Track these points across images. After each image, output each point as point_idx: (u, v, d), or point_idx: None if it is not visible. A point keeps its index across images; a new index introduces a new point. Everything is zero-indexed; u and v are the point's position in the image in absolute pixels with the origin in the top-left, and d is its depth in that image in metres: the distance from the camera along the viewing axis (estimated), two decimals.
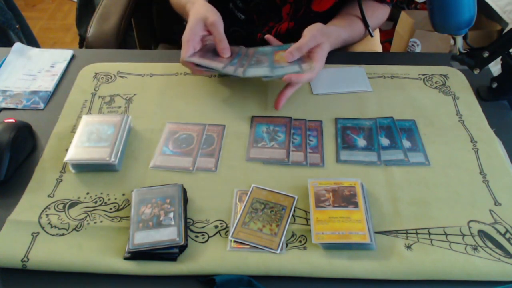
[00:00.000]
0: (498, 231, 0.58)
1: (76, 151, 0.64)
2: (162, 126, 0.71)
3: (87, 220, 0.59)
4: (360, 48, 1.05)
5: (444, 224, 0.59)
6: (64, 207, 0.61)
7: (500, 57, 0.73)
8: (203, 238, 0.57)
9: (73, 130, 0.70)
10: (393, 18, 1.83)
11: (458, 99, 0.77)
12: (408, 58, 0.89)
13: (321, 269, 0.54)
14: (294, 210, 0.60)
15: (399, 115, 0.73)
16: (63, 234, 0.57)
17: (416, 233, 0.58)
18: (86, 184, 0.63)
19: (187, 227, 0.58)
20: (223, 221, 0.59)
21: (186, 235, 0.56)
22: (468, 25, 0.68)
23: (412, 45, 1.67)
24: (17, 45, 0.87)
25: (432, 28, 0.69)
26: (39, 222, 0.59)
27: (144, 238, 0.55)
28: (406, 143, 0.69)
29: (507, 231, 0.58)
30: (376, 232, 0.58)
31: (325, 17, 0.85)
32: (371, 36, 0.88)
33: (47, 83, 0.80)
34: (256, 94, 0.77)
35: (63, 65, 0.83)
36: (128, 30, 1.06)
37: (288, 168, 0.66)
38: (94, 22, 0.99)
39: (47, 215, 0.59)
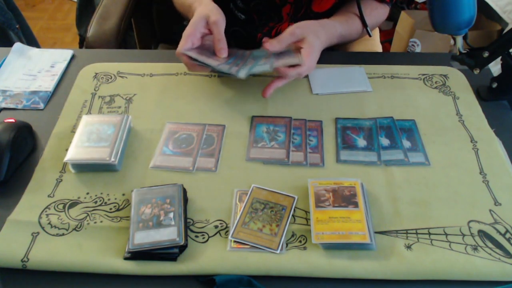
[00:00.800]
0: (498, 231, 0.58)
1: (76, 151, 0.64)
2: (162, 126, 0.71)
3: (87, 220, 0.59)
4: (360, 48, 1.05)
5: (444, 224, 0.59)
6: (64, 207, 0.61)
7: (500, 57, 0.73)
8: (203, 238, 0.57)
9: (73, 130, 0.71)
10: (393, 18, 1.83)
11: (458, 99, 0.77)
12: (408, 58, 0.89)
13: (321, 269, 0.54)
14: (294, 210, 0.60)
15: (399, 115, 0.73)
16: (63, 234, 0.57)
17: (416, 233, 0.58)
18: (86, 184, 0.63)
19: (187, 227, 0.58)
20: (223, 221, 0.59)
21: (186, 235, 0.56)
22: (468, 25, 0.68)
23: (412, 45, 1.67)
24: (17, 45, 0.87)
25: (432, 28, 0.69)
26: (39, 222, 0.59)
27: (144, 238, 0.55)
28: (406, 143, 0.69)
29: (507, 231, 0.58)
30: (376, 232, 0.58)
31: (325, 18, 0.85)
32: (369, 35, 0.88)
33: (47, 83, 0.80)
34: (256, 94, 0.76)
35: (63, 65, 0.83)
36: (128, 30, 1.06)
37: (288, 168, 0.66)
38: (94, 22, 0.99)
39: (47, 215, 0.59)
